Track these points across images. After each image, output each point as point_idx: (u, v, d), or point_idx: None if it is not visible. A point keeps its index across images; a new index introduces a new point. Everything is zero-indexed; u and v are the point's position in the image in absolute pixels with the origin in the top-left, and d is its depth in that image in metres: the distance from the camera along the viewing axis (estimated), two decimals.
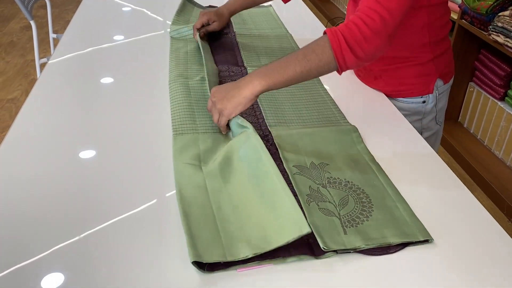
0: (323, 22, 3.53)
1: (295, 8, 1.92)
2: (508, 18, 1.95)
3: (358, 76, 1.33)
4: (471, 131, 2.50)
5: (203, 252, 0.72)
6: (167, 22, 1.69)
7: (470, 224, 0.83)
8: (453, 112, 2.56)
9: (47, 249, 0.75)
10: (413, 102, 1.24)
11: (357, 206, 0.84)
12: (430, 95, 1.23)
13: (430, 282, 0.71)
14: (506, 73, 2.18)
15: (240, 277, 0.71)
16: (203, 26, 1.46)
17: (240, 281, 0.71)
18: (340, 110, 1.15)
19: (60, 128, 1.06)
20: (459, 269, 0.74)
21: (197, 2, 1.84)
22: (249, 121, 0.99)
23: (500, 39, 2.00)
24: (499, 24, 1.99)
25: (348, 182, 0.90)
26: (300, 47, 1.49)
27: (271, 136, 1.03)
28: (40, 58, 2.50)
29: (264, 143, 0.90)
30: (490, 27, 2.05)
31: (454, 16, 2.35)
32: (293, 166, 0.93)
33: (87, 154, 0.98)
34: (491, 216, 0.85)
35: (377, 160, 0.97)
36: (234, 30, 1.60)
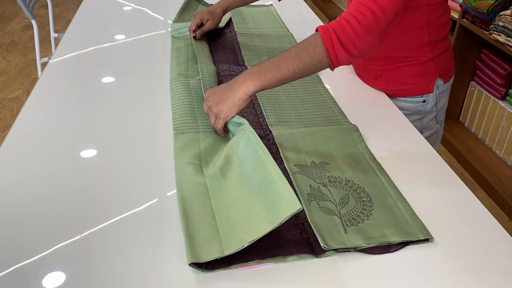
0: (324, 21, 3.53)
1: (296, 7, 1.92)
2: (509, 17, 1.95)
3: (359, 75, 1.33)
4: (472, 131, 2.50)
5: (200, 251, 0.72)
6: (168, 21, 1.69)
7: (471, 223, 0.83)
8: (454, 111, 2.56)
9: (48, 248, 0.75)
10: (413, 102, 1.24)
11: (357, 205, 0.84)
12: (430, 94, 1.23)
13: (431, 281, 0.72)
14: (507, 72, 2.18)
15: (241, 276, 0.71)
16: (198, 27, 1.46)
17: (240, 280, 0.71)
18: (340, 109, 1.15)
19: (61, 127, 1.06)
20: (460, 268, 0.74)
21: None
22: (249, 120, 0.99)
23: (501, 38, 2.00)
24: (500, 24, 1.99)
25: (349, 181, 0.90)
26: None
27: (272, 135, 1.03)
28: (42, 57, 2.50)
29: (265, 142, 0.90)
30: (491, 26, 2.05)
31: (455, 15, 2.35)
32: (293, 165, 0.93)
33: (88, 153, 0.98)
34: (491, 215, 0.85)
35: (377, 159, 0.97)
36: (235, 30, 1.60)
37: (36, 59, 2.51)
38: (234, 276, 0.71)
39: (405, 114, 1.18)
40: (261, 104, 1.14)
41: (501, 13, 2.00)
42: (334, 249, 0.75)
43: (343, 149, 1.00)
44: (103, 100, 1.18)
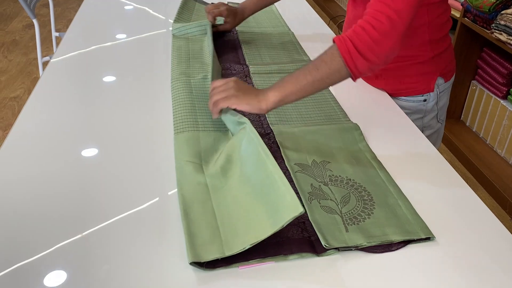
0: (325, 20, 3.53)
1: (297, 6, 1.92)
2: (511, 16, 1.95)
3: None
4: (474, 130, 2.49)
5: (201, 251, 0.72)
6: (169, 20, 1.69)
7: (472, 222, 0.83)
8: (455, 110, 2.56)
9: (49, 247, 0.75)
10: (414, 101, 1.24)
11: (358, 204, 0.84)
12: (431, 93, 1.23)
13: (432, 279, 0.72)
14: (509, 71, 2.18)
15: (242, 274, 0.71)
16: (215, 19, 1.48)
17: (242, 279, 0.71)
18: (341, 108, 1.15)
19: (63, 126, 1.07)
20: (461, 266, 0.74)
21: None
22: (250, 119, 0.99)
23: (503, 37, 2.00)
24: (502, 22, 1.99)
25: (350, 180, 0.90)
26: (302, 45, 1.50)
27: (273, 134, 1.03)
28: (43, 56, 2.51)
29: (265, 141, 0.90)
30: (493, 25, 2.05)
31: (457, 14, 2.34)
32: (294, 164, 0.93)
33: (89, 152, 0.98)
34: (493, 215, 0.85)
35: (378, 158, 0.97)
36: (236, 28, 1.60)
37: (37, 58, 2.52)
38: (235, 274, 0.71)
39: (406, 113, 1.18)
40: None
41: (502, 12, 2.00)
42: (335, 248, 0.75)
43: (344, 148, 1.00)
44: (104, 99, 1.18)
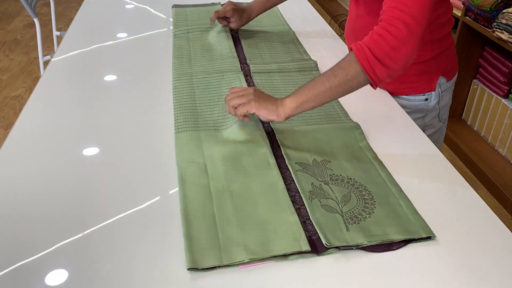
0: (326, 20, 3.52)
1: (298, 5, 1.92)
2: None
3: None
4: (475, 129, 2.49)
5: (199, 256, 0.72)
6: (170, 19, 1.69)
7: (473, 222, 0.83)
8: (456, 109, 2.56)
9: (51, 245, 0.75)
10: (415, 100, 1.24)
11: (359, 203, 0.84)
12: (432, 92, 1.23)
13: (432, 279, 0.72)
14: (510, 70, 2.17)
15: (242, 273, 0.72)
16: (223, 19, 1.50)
17: (242, 277, 0.71)
18: (342, 107, 1.15)
19: (64, 125, 1.07)
20: (461, 266, 0.74)
21: (188, 3, 1.82)
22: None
23: (504, 36, 1.99)
24: (503, 21, 1.98)
25: (351, 179, 0.90)
26: (303, 44, 1.50)
27: (274, 133, 1.03)
28: (44, 55, 2.51)
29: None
30: (494, 24, 2.05)
31: (458, 13, 2.34)
32: (295, 163, 0.93)
33: (90, 151, 0.99)
34: (494, 214, 0.85)
35: (379, 157, 0.97)
36: None
37: (38, 57, 2.52)
38: (236, 273, 0.71)
39: (407, 112, 1.18)
40: None
41: (504, 10, 2.00)
42: (336, 247, 0.75)
43: (345, 147, 1.00)
44: (105, 98, 1.19)
